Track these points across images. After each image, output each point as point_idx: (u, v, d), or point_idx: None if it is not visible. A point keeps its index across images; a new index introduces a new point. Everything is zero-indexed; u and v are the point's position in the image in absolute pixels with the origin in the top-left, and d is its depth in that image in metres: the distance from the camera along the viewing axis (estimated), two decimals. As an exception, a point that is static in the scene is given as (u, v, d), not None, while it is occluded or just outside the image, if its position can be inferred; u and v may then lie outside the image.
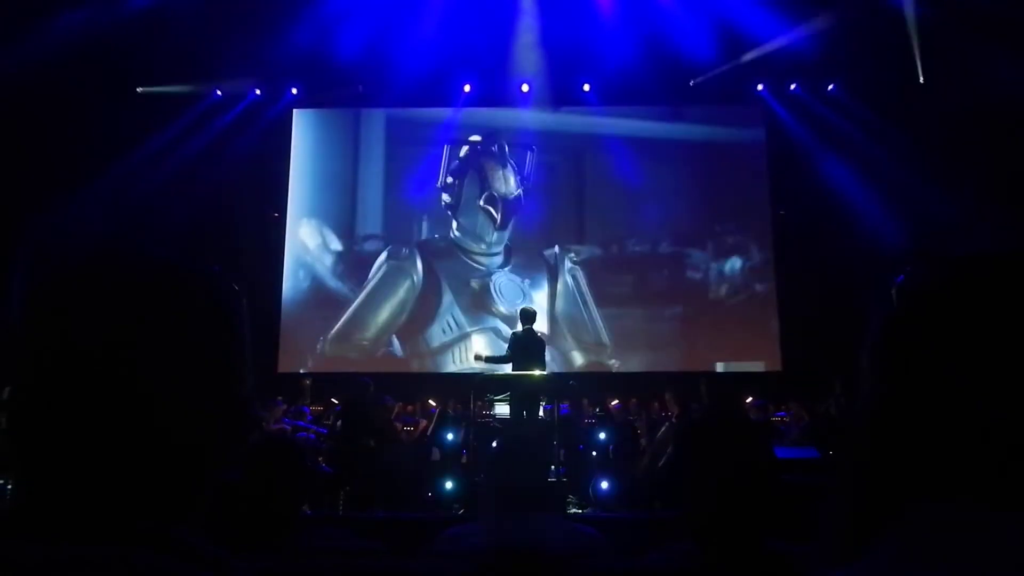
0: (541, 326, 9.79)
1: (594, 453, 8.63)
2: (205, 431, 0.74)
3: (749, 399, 9.34)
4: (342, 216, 12.36)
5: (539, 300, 11.55)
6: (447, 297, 11.93)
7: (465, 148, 12.39)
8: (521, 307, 8.48)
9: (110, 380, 0.69)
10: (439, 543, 2.27)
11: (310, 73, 11.64)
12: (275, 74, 11.74)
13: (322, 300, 12.08)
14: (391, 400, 9.26)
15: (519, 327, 8.04)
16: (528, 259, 12.09)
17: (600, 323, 11.87)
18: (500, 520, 2.25)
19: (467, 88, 12.15)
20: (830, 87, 11.73)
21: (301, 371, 11.38)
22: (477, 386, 7.99)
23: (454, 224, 12.22)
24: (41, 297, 0.73)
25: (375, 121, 12.50)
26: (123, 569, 0.64)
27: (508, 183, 12.30)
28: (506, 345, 8.26)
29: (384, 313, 11.90)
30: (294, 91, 12.20)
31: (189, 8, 9.64)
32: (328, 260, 12.22)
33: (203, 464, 0.75)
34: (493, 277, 11.97)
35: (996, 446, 0.64)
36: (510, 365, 7.85)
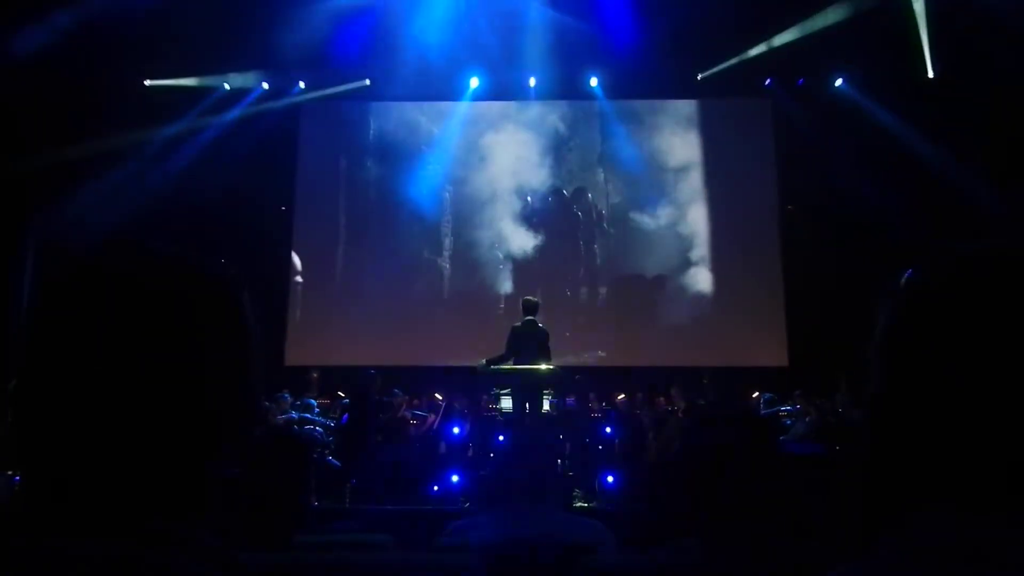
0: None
1: (600, 447, 8.64)
2: (211, 425, 0.74)
3: (755, 394, 9.34)
4: (347, 211, 12.38)
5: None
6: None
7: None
8: (523, 298, 8.14)
9: (115, 375, 0.70)
10: (446, 536, 2.28)
11: (317, 66, 11.62)
12: (282, 68, 11.73)
13: (331, 293, 12.10)
14: (398, 394, 9.27)
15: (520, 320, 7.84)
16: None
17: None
18: (506, 513, 2.25)
19: (474, 82, 12.13)
20: (838, 81, 11.67)
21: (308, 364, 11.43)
22: (483, 380, 7.95)
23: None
24: (47, 292, 0.73)
25: (382, 114, 12.51)
26: (132, 566, 0.65)
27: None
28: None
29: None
30: (301, 84, 12.20)
31: (196, 1, 9.64)
32: (335, 254, 12.24)
33: (209, 459, 0.75)
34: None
35: (1001, 445, 0.64)
36: (512, 361, 7.59)
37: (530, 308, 7.73)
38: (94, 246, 0.76)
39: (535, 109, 12.33)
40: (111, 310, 0.71)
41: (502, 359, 7.71)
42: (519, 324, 7.69)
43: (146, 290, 0.73)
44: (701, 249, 12.03)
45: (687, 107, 12.44)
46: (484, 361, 7.85)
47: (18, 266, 9.75)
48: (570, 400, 9.14)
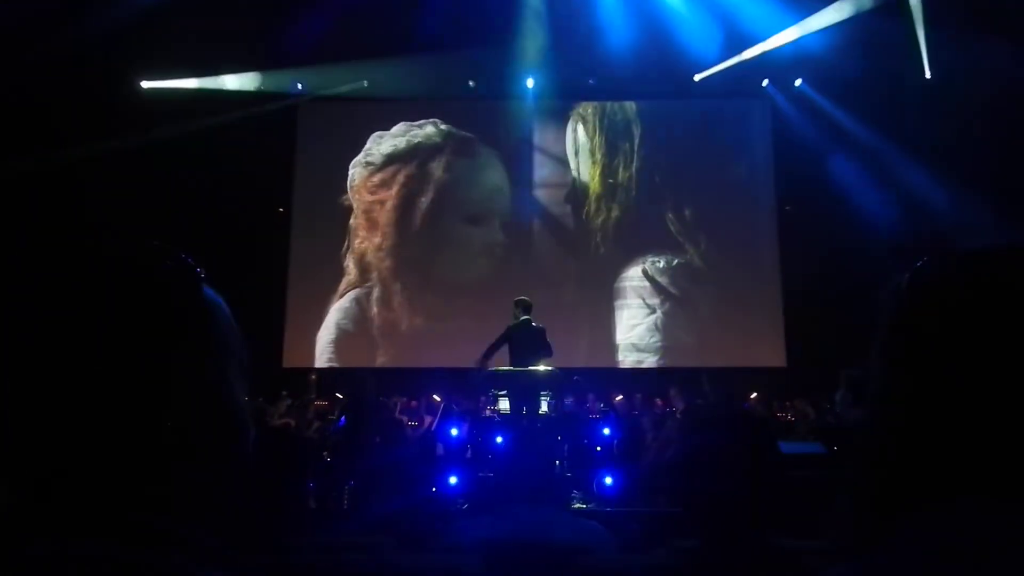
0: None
1: (598, 448, 8.63)
2: (183, 420, 0.74)
3: (754, 395, 9.33)
4: (345, 212, 12.37)
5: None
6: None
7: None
8: (517, 299, 7.97)
9: (78, 373, 0.69)
10: (444, 537, 2.28)
11: (315, 67, 11.62)
12: (280, 68, 11.73)
13: (329, 294, 12.09)
14: (396, 395, 9.27)
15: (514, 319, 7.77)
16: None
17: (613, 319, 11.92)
18: (505, 514, 2.25)
19: (472, 83, 12.13)
20: (836, 82, 11.68)
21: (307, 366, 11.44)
22: (482, 381, 7.93)
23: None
24: (10, 293, 0.73)
25: (380, 115, 12.50)
26: (132, 566, 0.65)
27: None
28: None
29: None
30: (299, 86, 12.20)
31: (194, 2, 9.63)
32: (333, 255, 12.23)
33: (185, 456, 0.74)
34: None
35: (1005, 443, 0.64)
36: (505, 350, 7.54)
37: (525, 308, 7.69)
38: (44, 245, 0.76)
39: (531, 109, 12.32)
40: (70, 308, 0.71)
41: (492, 349, 7.62)
42: (514, 324, 7.66)
43: (101, 286, 0.73)
44: (699, 250, 12.03)
45: (685, 108, 12.45)
46: (477, 361, 7.68)
47: (16, 267, 9.73)
48: (568, 401, 9.13)
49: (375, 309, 11.99)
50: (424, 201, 12.28)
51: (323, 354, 11.84)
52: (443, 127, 12.47)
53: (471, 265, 12.10)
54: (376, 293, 12.04)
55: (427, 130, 12.48)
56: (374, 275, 12.11)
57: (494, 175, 12.37)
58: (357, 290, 12.06)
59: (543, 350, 7.52)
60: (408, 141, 12.44)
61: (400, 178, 12.32)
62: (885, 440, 0.71)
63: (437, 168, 12.36)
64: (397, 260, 12.15)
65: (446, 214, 12.26)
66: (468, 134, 12.45)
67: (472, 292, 11.93)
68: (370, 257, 12.16)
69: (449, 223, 12.24)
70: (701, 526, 1.66)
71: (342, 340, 11.91)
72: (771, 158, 12.18)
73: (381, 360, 11.65)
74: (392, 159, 12.42)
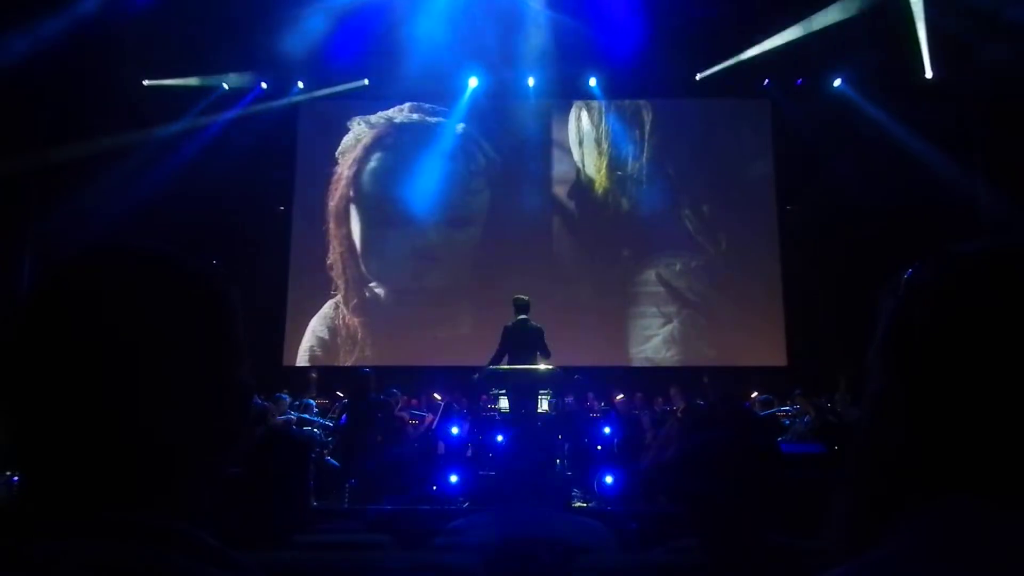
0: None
1: (599, 447, 8.63)
2: (202, 422, 0.74)
3: (754, 394, 9.33)
4: (345, 211, 12.37)
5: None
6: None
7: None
8: (514, 297, 7.90)
9: (104, 372, 0.70)
10: (445, 536, 2.28)
11: (316, 67, 11.62)
12: (281, 68, 11.72)
13: (329, 293, 12.10)
14: (395, 393, 9.27)
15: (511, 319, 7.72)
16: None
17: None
18: (505, 513, 2.25)
19: (473, 82, 12.12)
20: (837, 82, 11.67)
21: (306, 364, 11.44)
22: (482, 380, 7.92)
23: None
24: (36, 290, 0.73)
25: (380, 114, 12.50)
26: (132, 566, 0.65)
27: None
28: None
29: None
30: (300, 85, 12.19)
31: (196, 1, 9.63)
32: (333, 254, 12.23)
33: (203, 456, 0.75)
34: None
35: (1001, 445, 0.64)
36: (506, 358, 7.55)
37: (521, 307, 7.65)
38: (82, 245, 0.76)
39: (532, 109, 12.29)
40: (97, 311, 0.71)
41: (498, 356, 7.66)
42: (511, 323, 7.64)
43: (130, 286, 0.73)
44: (700, 249, 12.00)
45: (686, 107, 12.42)
46: (487, 368, 7.72)
47: (17, 266, 9.75)
48: (569, 400, 9.13)
49: (340, 316, 11.96)
50: (348, 199, 12.26)
51: (300, 360, 11.82)
52: (374, 119, 12.34)
53: (403, 265, 11.96)
54: (340, 299, 12.04)
55: (358, 128, 12.37)
56: (337, 281, 12.11)
57: (506, 178, 12.29)
58: (337, 296, 12.05)
59: (541, 351, 7.51)
60: (350, 138, 12.40)
61: (334, 178, 12.32)
62: (884, 440, 0.71)
63: (361, 163, 12.30)
64: (340, 263, 12.12)
65: (371, 213, 12.23)
66: (423, 118, 12.33)
67: (474, 289, 11.90)
68: (332, 260, 12.16)
69: (376, 223, 12.17)
70: (701, 525, 1.66)
71: (316, 346, 11.89)
72: (772, 157, 12.15)
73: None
74: (340, 157, 12.42)
